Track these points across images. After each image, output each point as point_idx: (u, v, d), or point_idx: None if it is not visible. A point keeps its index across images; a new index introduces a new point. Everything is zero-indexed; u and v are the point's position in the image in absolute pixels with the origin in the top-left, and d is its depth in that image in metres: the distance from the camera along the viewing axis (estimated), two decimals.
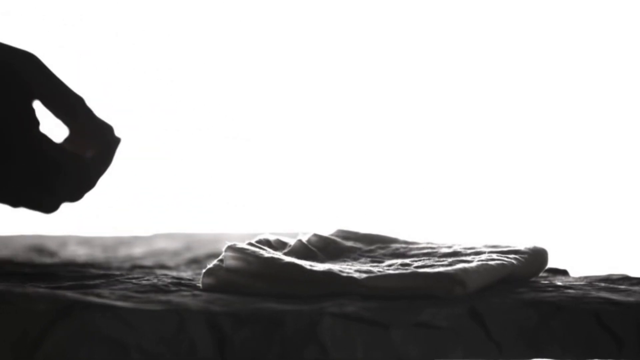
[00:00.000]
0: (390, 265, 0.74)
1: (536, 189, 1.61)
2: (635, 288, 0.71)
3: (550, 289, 0.71)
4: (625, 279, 0.75)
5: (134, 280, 0.74)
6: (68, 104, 0.86)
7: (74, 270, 0.84)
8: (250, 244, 0.74)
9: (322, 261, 0.76)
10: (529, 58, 1.60)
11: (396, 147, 1.62)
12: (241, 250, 0.71)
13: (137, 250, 1.03)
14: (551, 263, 0.79)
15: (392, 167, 1.62)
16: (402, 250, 0.80)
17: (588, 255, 1.51)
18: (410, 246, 0.80)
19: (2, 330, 0.61)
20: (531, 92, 1.61)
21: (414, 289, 0.67)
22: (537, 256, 0.77)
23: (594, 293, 0.69)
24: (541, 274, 0.78)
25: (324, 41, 1.60)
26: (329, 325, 0.63)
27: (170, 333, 0.62)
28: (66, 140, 0.88)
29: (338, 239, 0.81)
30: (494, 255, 0.74)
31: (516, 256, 0.75)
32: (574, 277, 0.79)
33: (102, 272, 0.82)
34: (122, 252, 1.02)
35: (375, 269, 0.71)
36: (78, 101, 0.87)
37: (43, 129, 0.84)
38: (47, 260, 0.93)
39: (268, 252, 0.72)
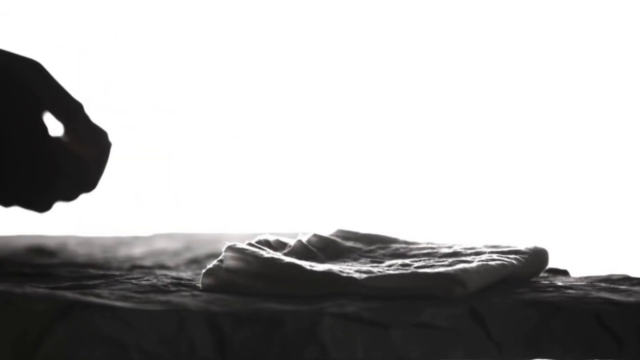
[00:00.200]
0: (390, 266, 0.74)
1: (536, 189, 1.61)
2: (636, 288, 0.71)
3: (550, 289, 0.71)
4: (625, 279, 0.75)
5: (133, 281, 0.74)
6: (68, 110, 0.89)
7: (73, 270, 0.84)
8: (250, 244, 0.74)
9: (322, 261, 0.76)
10: (529, 58, 1.60)
11: (396, 147, 1.62)
12: (241, 251, 0.71)
13: (137, 251, 1.03)
14: (551, 263, 0.79)
15: (392, 167, 1.62)
16: (402, 250, 0.80)
17: (588, 256, 1.51)
18: (411, 246, 0.80)
19: (1, 331, 0.61)
20: (531, 92, 1.61)
21: (414, 289, 0.67)
22: (538, 256, 0.77)
23: (595, 293, 0.69)
24: (541, 274, 0.78)
25: (324, 41, 1.60)
26: (329, 326, 0.63)
27: (170, 333, 0.62)
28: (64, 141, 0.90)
29: (338, 239, 0.81)
30: (495, 256, 0.74)
31: (516, 256, 0.75)
32: (574, 277, 0.78)
33: (101, 272, 0.82)
34: (122, 252, 1.02)
35: (375, 269, 0.71)
36: (78, 107, 0.90)
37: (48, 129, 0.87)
38: (47, 260, 0.93)
39: (268, 253, 0.72)
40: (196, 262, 0.93)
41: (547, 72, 1.60)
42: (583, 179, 1.60)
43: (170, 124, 1.60)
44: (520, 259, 0.74)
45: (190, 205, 1.61)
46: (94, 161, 0.91)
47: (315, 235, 0.80)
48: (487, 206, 1.61)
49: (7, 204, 0.89)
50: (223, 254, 0.72)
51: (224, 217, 1.60)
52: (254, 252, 0.71)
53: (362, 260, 0.77)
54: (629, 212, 1.58)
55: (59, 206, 0.91)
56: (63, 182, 0.87)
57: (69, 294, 0.64)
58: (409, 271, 0.69)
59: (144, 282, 0.73)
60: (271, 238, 0.79)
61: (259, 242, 0.77)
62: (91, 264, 0.90)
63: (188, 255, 0.98)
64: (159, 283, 0.73)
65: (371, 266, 0.74)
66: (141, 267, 0.89)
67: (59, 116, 0.89)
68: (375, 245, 0.81)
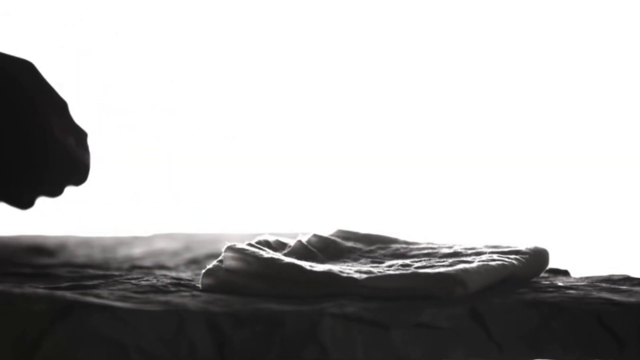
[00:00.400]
0: (390, 266, 0.74)
1: (536, 189, 1.61)
2: (637, 289, 0.71)
3: (551, 289, 0.71)
4: (626, 279, 0.75)
5: (133, 281, 0.74)
6: (57, 107, 0.93)
7: (73, 270, 0.84)
8: (250, 245, 0.74)
9: (322, 262, 0.76)
10: (529, 58, 1.60)
11: (396, 147, 1.62)
12: (241, 251, 0.71)
13: (137, 251, 1.03)
14: (552, 263, 0.79)
15: (392, 167, 1.62)
16: (402, 250, 0.80)
17: (589, 256, 1.50)
18: (411, 246, 0.80)
19: (1, 331, 0.61)
20: (531, 92, 1.61)
21: (414, 289, 0.67)
22: (538, 256, 0.77)
23: (595, 293, 0.69)
24: (542, 275, 0.78)
25: (324, 41, 1.60)
26: (329, 326, 0.62)
27: (169, 334, 0.62)
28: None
29: (338, 240, 0.81)
30: (495, 256, 0.74)
31: (517, 256, 0.75)
32: (575, 278, 0.78)
33: (101, 272, 0.82)
34: (121, 252, 1.02)
35: (375, 270, 0.71)
36: (64, 105, 0.94)
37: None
38: (46, 260, 0.93)
39: (268, 253, 0.72)
40: (196, 262, 0.93)
41: (547, 72, 1.60)
42: (583, 179, 1.60)
43: (170, 124, 1.60)
44: (520, 259, 0.74)
45: (190, 205, 1.61)
46: (79, 156, 0.92)
47: (315, 235, 0.80)
48: (487, 206, 1.61)
49: None
50: (223, 254, 0.72)
51: (223, 217, 1.60)
52: (253, 252, 0.71)
53: (362, 260, 0.77)
54: (629, 212, 1.58)
55: (41, 201, 0.93)
56: (49, 178, 0.89)
57: (69, 294, 0.64)
58: (409, 271, 0.69)
59: (143, 283, 0.73)
60: (271, 238, 0.78)
61: (258, 242, 0.76)
62: (91, 264, 0.90)
63: (188, 255, 0.98)
64: (159, 283, 0.73)
65: (371, 266, 0.74)
66: (141, 267, 0.89)
67: (49, 113, 0.92)
68: (375, 246, 0.81)
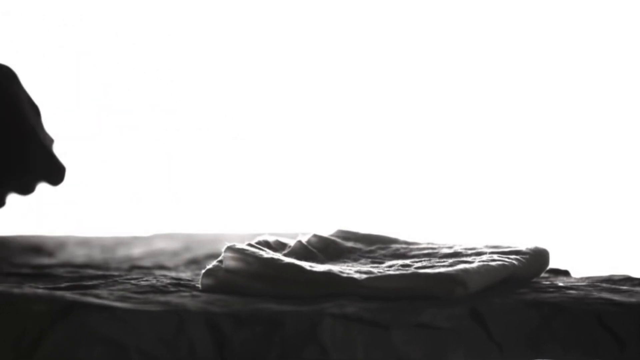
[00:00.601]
0: (390, 266, 0.73)
1: (537, 189, 1.61)
2: (637, 289, 0.71)
3: (551, 289, 0.71)
4: (627, 279, 0.75)
5: (132, 281, 0.74)
6: (35, 113, 0.96)
7: (72, 270, 0.84)
8: (250, 245, 0.74)
9: (322, 262, 0.76)
10: (529, 58, 1.59)
11: (396, 147, 1.62)
12: (241, 251, 0.71)
13: (136, 251, 1.02)
14: (552, 263, 0.79)
15: (392, 167, 1.62)
16: (402, 250, 0.79)
17: (590, 256, 1.50)
18: (411, 247, 0.80)
19: (1, 331, 0.61)
20: (531, 92, 1.60)
21: (414, 289, 0.67)
22: (539, 257, 0.77)
23: (596, 294, 0.69)
24: (542, 275, 0.78)
25: (324, 41, 1.59)
26: (329, 326, 0.62)
27: (169, 334, 0.61)
28: None
29: (338, 240, 0.81)
30: (495, 256, 0.74)
31: (517, 257, 0.74)
32: (575, 278, 0.78)
33: (100, 272, 0.82)
34: (121, 252, 1.02)
35: (375, 270, 0.71)
36: (38, 111, 0.96)
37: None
38: (46, 260, 0.93)
39: (267, 253, 0.72)
40: (196, 262, 0.92)
41: (547, 72, 1.60)
42: (584, 179, 1.60)
43: (170, 124, 1.60)
44: (521, 259, 0.74)
45: (190, 205, 1.61)
46: (57, 157, 0.95)
47: (315, 235, 0.80)
48: (488, 206, 1.61)
49: None
50: (223, 254, 0.72)
51: (223, 217, 1.60)
52: (253, 252, 0.71)
53: (363, 260, 0.77)
54: (630, 212, 1.58)
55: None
56: (27, 177, 0.91)
57: (68, 295, 0.64)
58: (409, 271, 0.69)
59: (143, 283, 0.73)
60: (271, 239, 0.78)
61: (258, 242, 0.76)
62: (90, 265, 0.90)
63: (187, 255, 0.98)
64: (158, 283, 0.73)
65: (371, 267, 0.74)
66: (140, 267, 0.89)
67: (31, 117, 0.94)
68: (375, 246, 0.81)
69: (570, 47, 1.60)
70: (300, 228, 1.06)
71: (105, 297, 0.65)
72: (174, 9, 1.59)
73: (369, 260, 0.77)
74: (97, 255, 0.98)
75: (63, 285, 0.72)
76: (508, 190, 1.62)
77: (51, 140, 0.97)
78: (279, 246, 0.78)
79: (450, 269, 0.69)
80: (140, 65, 1.59)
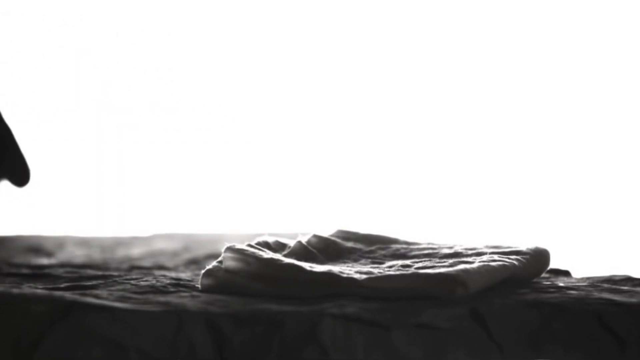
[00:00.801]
0: (391, 267, 0.73)
1: (538, 189, 1.61)
2: (638, 289, 0.71)
3: (552, 290, 0.71)
4: (627, 279, 0.75)
5: (132, 281, 0.74)
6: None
7: (71, 271, 0.84)
8: (250, 246, 0.74)
9: (322, 262, 0.76)
10: (529, 58, 1.59)
11: (396, 147, 1.62)
12: (240, 251, 0.71)
13: (136, 251, 1.02)
14: (553, 264, 0.79)
15: (392, 167, 1.62)
16: (402, 251, 0.79)
17: (590, 256, 1.50)
18: (411, 247, 0.80)
19: (1, 331, 0.61)
20: (531, 92, 1.60)
21: (415, 289, 0.67)
22: (539, 257, 0.76)
23: (597, 294, 0.69)
24: (543, 275, 0.78)
25: (324, 42, 1.59)
26: (329, 326, 0.62)
27: (169, 334, 0.61)
28: None
29: (338, 240, 0.81)
30: (496, 256, 0.73)
31: (518, 257, 0.74)
32: (576, 278, 0.78)
33: (100, 273, 0.82)
34: (121, 252, 1.02)
35: (375, 270, 0.71)
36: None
37: None
38: (45, 261, 0.93)
39: (267, 254, 0.72)
40: (195, 262, 0.92)
41: (547, 73, 1.60)
42: (584, 179, 1.60)
43: (170, 124, 1.60)
44: (521, 259, 0.74)
45: (190, 205, 1.60)
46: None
47: (315, 236, 0.80)
48: (488, 206, 1.61)
49: None
50: (222, 254, 0.71)
51: (223, 217, 1.60)
52: (253, 252, 0.71)
53: (363, 261, 0.77)
54: (630, 212, 1.58)
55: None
56: None
57: (68, 295, 0.64)
58: (409, 272, 0.69)
59: (142, 283, 0.73)
60: (270, 239, 0.78)
61: (258, 243, 0.76)
62: (89, 265, 0.90)
63: (187, 255, 0.98)
64: (158, 284, 0.73)
65: (371, 267, 0.74)
66: (140, 267, 0.89)
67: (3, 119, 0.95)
68: (375, 246, 0.81)
69: (571, 47, 1.60)
70: (300, 228, 1.06)
71: (104, 298, 0.65)
72: (174, 9, 1.59)
73: (369, 260, 0.77)
74: (96, 256, 0.98)
75: (62, 285, 0.72)
76: (508, 190, 1.62)
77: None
78: (278, 247, 0.78)
79: (450, 269, 0.69)
80: (140, 65, 1.59)
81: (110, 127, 1.57)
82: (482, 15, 1.60)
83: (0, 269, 0.85)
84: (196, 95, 1.61)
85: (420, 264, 0.73)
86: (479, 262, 0.71)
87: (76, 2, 1.57)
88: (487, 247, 0.77)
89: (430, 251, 0.78)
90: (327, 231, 0.82)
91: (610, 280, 0.75)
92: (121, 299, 0.65)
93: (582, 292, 0.69)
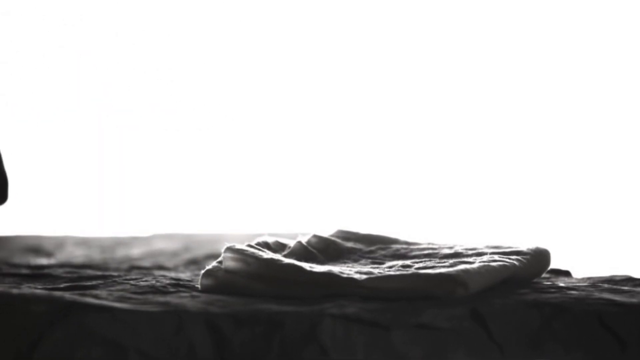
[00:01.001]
0: (391, 267, 0.73)
1: (538, 189, 1.60)
2: (638, 289, 0.71)
3: (552, 290, 0.71)
4: (628, 280, 0.75)
5: (132, 281, 0.74)
6: None
7: (71, 271, 0.84)
8: (250, 246, 0.74)
9: (322, 263, 0.76)
10: (529, 58, 1.59)
11: (396, 147, 1.62)
12: (240, 252, 0.71)
13: (135, 251, 1.02)
14: (553, 264, 0.79)
15: (392, 167, 1.62)
16: (403, 251, 0.79)
17: (591, 256, 1.50)
18: (411, 247, 0.80)
19: (0, 331, 0.61)
20: (532, 92, 1.60)
21: (415, 290, 0.67)
22: (540, 257, 0.76)
23: (597, 294, 0.68)
24: (543, 275, 0.78)
25: (324, 42, 1.59)
26: (329, 327, 0.62)
27: (169, 334, 0.61)
28: None
29: (338, 240, 0.81)
30: (496, 257, 0.73)
31: (518, 257, 0.74)
32: (576, 278, 0.78)
33: (99, 273, 0.82)
34: (120, 252, 1.01)
35: (375, 270, 0.71)
36: None
37: None
38: (44, 261, 0.93)
39: (267, 254, 0.72)
40: (195, 262, 0.92)
41: (547, 73, 1.60)
42: (585, 179, 1.60)
43: (170, 124, 1.60)
44: (522, 259, 0.74)
45: (190, 206, 1.60)
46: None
47: (315, 236, 0.80)
48: (488, 206, 1.61)
49: None
50: (222, 254, 0.71)
51: (223, 218, 1.60)
52: (253, 253, 0.71)
53: (363, 261, 0.77)
54: (631, 212, 1.58)
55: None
56: None
57: (67, 295, 0.64)
58: (410, 272, 0.69)
59: (142, 283, 0.73)
60: (270, 240, 0.78)
61: (258, 244, 0.76)
62: (89, 265, 0.90)
63: (187, 255, 0.98)
64: (158, 284, 0.73)
65: (372, 267, 0.74)
66: (140, 267, 0.89)
67: None
68: (375, 246, 0.81)
69: (571, 47, 1.60)
70: (300, 228, 1.06)
71: (104, 298, 0.65)
72: (174, 9, 1.59)
73: (369, 260, 0.77)
74: (96, 256, 0.98)
75: (62, 285, 0.72)
76: (508, 190, 1.62)
77: None
78: (278, 247, 0.78)
79: (450, 269, 0.69)
80: (140, 65, 1.59)
81: (110, 127, 1.57)
82: (481, 16, 1.60)
83: (0, 269, 0.85)
84: (196, 95, 1.61)
85: (420, 264, 0.73)
86: (480, 262, 0.71)
87: (76, 2, 1.57)
88: (487, 247, 0.77)
89: (431, 251, 0.78)
90: (327, 231, 0.82)
91: (610, 280, 0.75)
92: (121, 299, 0.65)
93: (583, 293, 0.69)
